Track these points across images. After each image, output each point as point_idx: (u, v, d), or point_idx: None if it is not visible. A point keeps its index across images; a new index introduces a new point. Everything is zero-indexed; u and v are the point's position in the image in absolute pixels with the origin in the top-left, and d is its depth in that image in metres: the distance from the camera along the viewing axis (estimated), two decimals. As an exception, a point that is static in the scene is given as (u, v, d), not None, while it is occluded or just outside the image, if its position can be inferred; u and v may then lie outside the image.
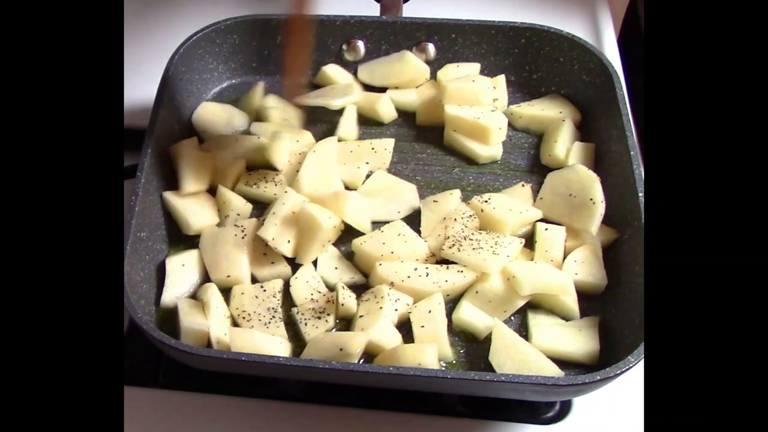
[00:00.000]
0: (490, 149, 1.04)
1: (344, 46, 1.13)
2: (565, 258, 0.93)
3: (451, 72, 1.11)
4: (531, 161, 1.05)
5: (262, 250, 0.94)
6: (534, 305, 0.90)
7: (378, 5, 1.18)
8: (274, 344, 0.86)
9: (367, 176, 1.02)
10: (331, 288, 0.92)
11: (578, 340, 0.86)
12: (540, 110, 1.08)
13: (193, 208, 0.97)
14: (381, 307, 0.87)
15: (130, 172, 0.93)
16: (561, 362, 0.85)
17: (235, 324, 0.89)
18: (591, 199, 0.94)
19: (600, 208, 0.93)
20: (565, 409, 0.86)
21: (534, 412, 0.86)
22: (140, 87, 1.06)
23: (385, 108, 1.09)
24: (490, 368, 0.84)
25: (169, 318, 0.90)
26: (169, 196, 0.97)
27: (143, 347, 0.87)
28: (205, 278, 0.93)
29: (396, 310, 0.88)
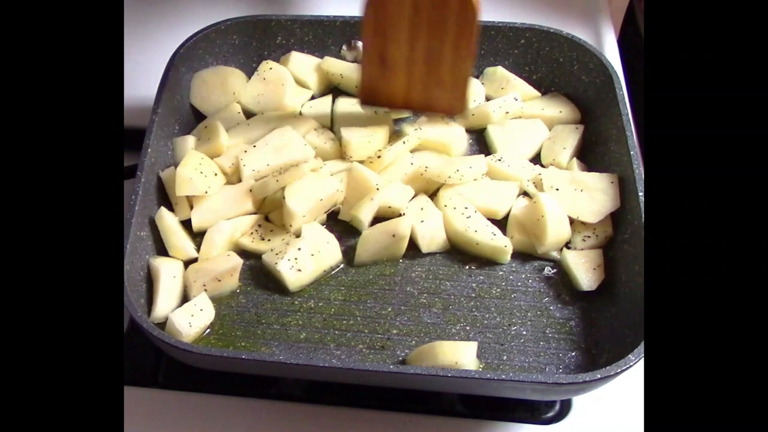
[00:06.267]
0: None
1: (345, 47, 1.13)
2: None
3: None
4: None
5: None
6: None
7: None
8: None
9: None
10: None
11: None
12: (540, 109, 1.07)
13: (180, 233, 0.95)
14: None
15: (130, 172, 0.93)
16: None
17: None
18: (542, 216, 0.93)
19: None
20: (565, 408, 0.86)
21: (534, 412, 0.86)
22: (140, 87, 1.06)
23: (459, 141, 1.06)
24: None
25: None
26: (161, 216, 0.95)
27: (143, 347, 0.87)
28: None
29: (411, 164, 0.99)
